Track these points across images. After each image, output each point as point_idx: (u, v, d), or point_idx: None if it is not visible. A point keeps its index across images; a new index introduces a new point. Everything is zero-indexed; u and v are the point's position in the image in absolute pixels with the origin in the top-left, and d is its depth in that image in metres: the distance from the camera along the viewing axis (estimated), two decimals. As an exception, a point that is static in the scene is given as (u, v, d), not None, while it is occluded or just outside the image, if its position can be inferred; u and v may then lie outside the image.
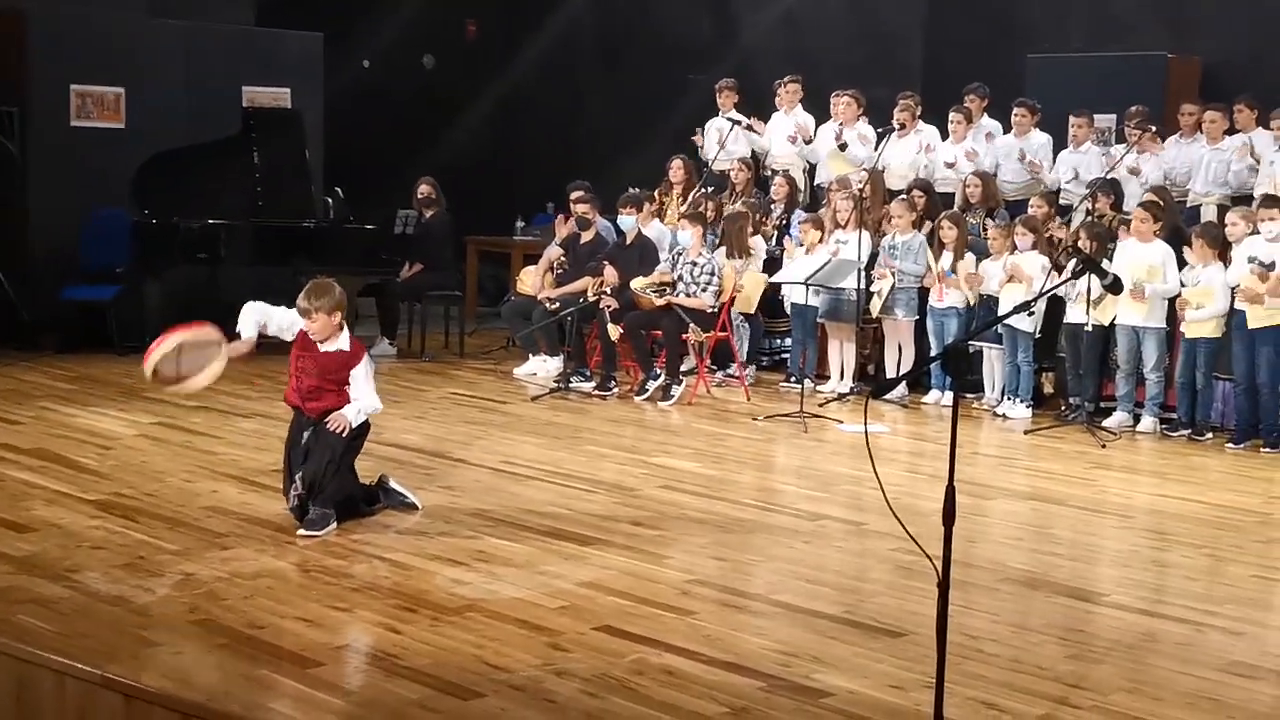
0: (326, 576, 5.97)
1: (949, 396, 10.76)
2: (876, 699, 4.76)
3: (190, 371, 6.64)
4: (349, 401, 6.70)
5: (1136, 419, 10.08)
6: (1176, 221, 10.34)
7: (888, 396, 10.50)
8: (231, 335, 6.75)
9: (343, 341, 6.72)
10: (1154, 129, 11.08)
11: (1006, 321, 10.15)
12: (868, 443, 5.15)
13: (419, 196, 12.98)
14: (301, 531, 6.54)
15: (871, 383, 11.21)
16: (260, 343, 6.82)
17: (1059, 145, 11.62)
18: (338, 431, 6.58)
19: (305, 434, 6.73)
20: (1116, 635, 5.58)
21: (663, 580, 6.07)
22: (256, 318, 6.75)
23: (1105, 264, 9.85)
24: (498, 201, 15.44)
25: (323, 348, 6.70)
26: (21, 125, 12.29)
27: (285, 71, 13.57)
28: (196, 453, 8.26)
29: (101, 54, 12.58)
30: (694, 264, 10.95)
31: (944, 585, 3.99)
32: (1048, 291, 9.71)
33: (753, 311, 11.75)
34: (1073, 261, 9.70)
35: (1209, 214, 10.56)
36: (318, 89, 13.74)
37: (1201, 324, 9.68)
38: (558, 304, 11.30)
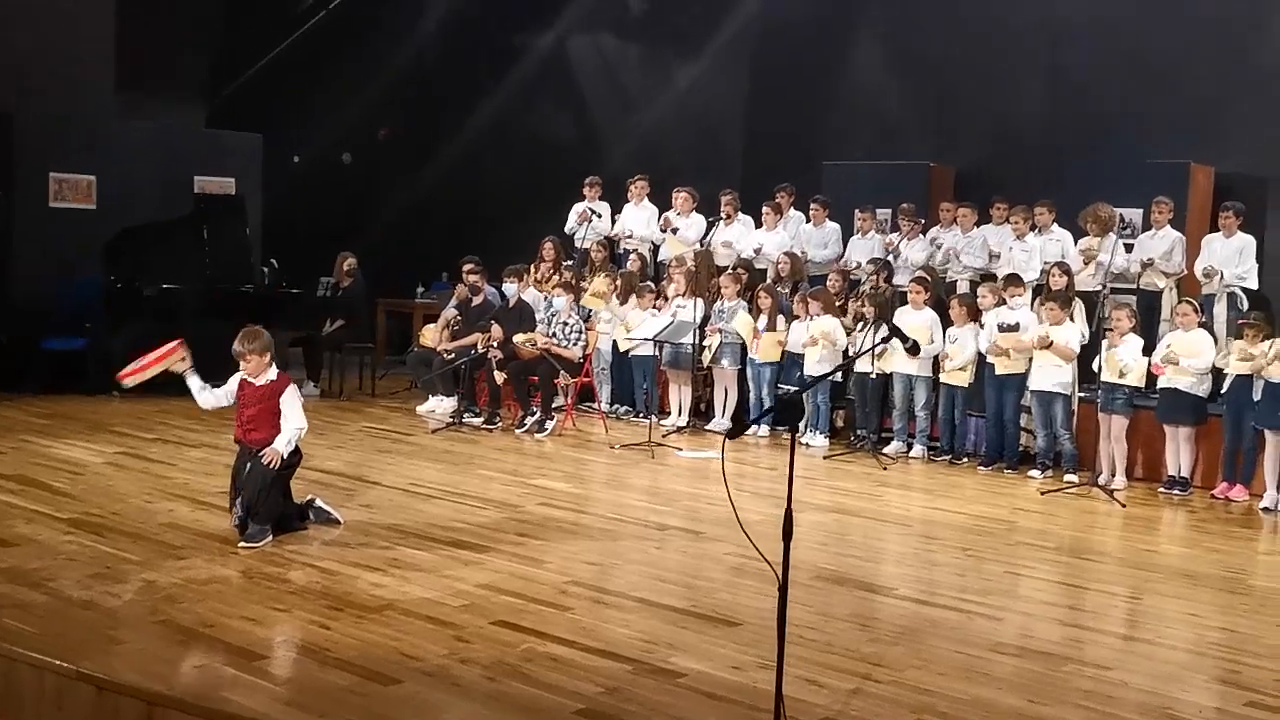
0: (267, 582, 5.71)
1: (764, 429, 10.79)
2: (721, 678, 4.66)
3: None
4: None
5: (909, 447, 10.17)
6: (939, 293, 10.50)
7: (713, 428, 10.44)
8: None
9: (271, 374, 6.56)
10: (921, 221, 11.24)
11: (807, 371, 10.24)
12: (724, 474, 5.07)
13: (339, 267, 12.74)
14: (242, 544, 6.26)
15: (707, 418, 11.14)
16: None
17: (847, 233, 11.73)
18: (269, 464, 6.36)
19: (248, 464, 6.47)
20: (904, 622, 5.57)
21: (545, 581, 5.92)
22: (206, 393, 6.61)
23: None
24: (402, 271, 15.17)
25: (257, 382, 6.53)
26: (7, 206, 11.81)
27: (230, 164, 13.26)
28: (154, 477, 7.89)
29: (76, 147, 12.14)
30: (565, 323, 10.89)
31: (783, 588, 3.90)
32: (861, 354, 9.75)
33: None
34: (883, 329, 9.62)
35: (964, 287, 10.72)
36: (257, 179, 13.45)
37: (958, 373, 9.83)
38: (453, 354, 11.11)
